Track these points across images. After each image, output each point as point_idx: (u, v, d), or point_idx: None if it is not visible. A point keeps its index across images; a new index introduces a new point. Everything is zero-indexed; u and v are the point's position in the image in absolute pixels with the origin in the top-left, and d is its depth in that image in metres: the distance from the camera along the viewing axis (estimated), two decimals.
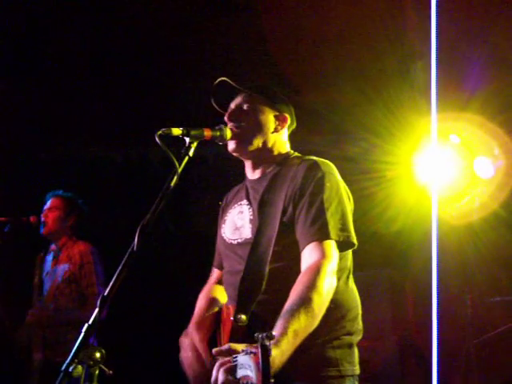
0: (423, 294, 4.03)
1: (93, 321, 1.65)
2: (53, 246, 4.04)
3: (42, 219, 3.95)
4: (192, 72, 4.00)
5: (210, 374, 1.64)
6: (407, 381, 4.29)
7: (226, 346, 1.58)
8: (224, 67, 4.08)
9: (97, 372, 1.59)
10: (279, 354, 1.57)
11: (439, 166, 4.45)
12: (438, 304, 3.78)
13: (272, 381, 1.38)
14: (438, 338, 3.72)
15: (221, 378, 1.54)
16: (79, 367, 1.58)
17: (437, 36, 3.91)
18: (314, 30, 4.00)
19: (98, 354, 1.60)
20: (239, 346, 1.54)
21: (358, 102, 4.62)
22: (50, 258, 4.04)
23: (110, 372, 1.63)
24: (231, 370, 1.51)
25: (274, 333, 1.54)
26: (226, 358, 1.56)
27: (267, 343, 1.38)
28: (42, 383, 3.62)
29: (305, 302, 1.70)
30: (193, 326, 2.07)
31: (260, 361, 1.37)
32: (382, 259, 4.72)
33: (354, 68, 4.45)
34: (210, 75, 2.26)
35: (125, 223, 2.03)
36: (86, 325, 1.63)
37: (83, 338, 1.61)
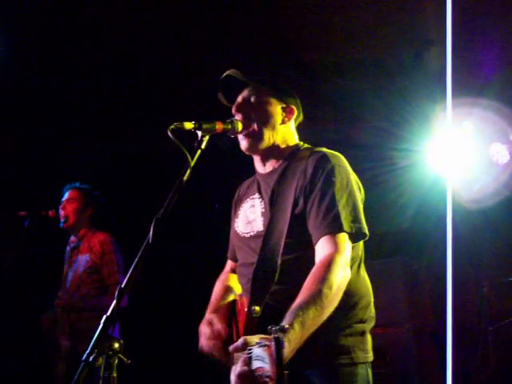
0: (438, 279, 4.03)
1: (111, 312, 1.69)
2: (72, 238, 4.10)
3: (61, 211, 4.01)
4: (207, 63, 4.01)
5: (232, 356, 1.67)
6: (423, 367, 4.31)
7: (240, 341, 1.61)
8: (239, 56, 4.10)
9: (116, 361, 1.65)
10: (286, 344, 1.59)
11: (454, 153, 4.44)
12: (453, 289, 3.79)
13: (286, 372, 1.43)
14: (453, 324, 3.73)
15: (238, 369, 1.58)
16: (99, 357, 1.64)
17: (452, 22, 3.88)
18: (330, 19, 3.98)
19: (116, 345, 1.65)
20: (253, 339, 1.58)
21: (372, 89, 4.60)
22: (69, 249, 4.11)
23: (129, 361, 1.68)
24: (247, 362, 1.55)
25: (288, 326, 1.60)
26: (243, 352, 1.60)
27: (280, 336, 1.42)
28: (69, 369, 3.72)
29: (314, 294, 1.73)
30: (210, 312, 2.12)
31: (273, 353, 1.41)
32: (396, 246, 4.73)
33: (368, 56, 4.43)
34: (225, 66, 2.27)
35: (142, 214, 2.07)
36: (105, 316, 1.68)
37: (102, 328, 1.66)
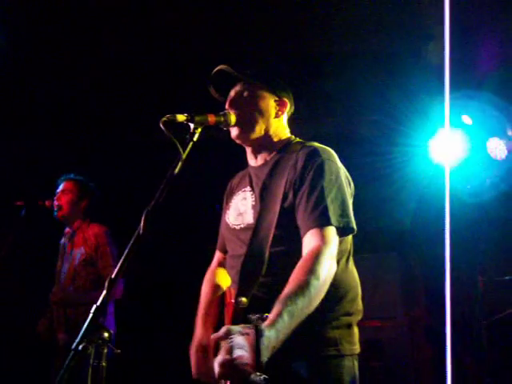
0: (433, 274, 4.05)
1: (101, 302, 1.71)
2: (67, 230, 4.10)
3: (55, 202, 4.01)
4: (202, 57, 4.01)
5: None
6: (417, 360, 4.34)
7: (223, 330, 1.63)
8: (235, 50, 4.11)
9: (105, 351, 1.67)
10: (274, 335, 1.61)
11: (452, 147, 4.45)
12: (450, 284, 3.80)
13: (264, 360, 1.45)
14: (451, 318, 3.75)
15: (219, 357, 1.60)
16: (89, 346, 1.66)
17: (450, 17, 3.87)
18: (328, 13, 3.98)
19: (106, 334, 1.67)
20: (236, 328, 1.60)
21: (370, 84, 4.60)
22: (64, 241, 4.12)
23: (118, 351, 1.71)
24: (228, 351, 1.57)
25: (270, 315, 1.62)
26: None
27: (260, 324, 1.44)
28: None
29: (302, 285, 1.74)
30: (199, 320, 2.15)
31: (253, 342, 1.44)
32: (393, 241, 4.75)
33: (367, 50, 4.43)
34: (219, 59, 2.27)
35: (135, 206, 2.09)
36: (95, 306, 1.70)
37: (92, 318, 1.68)
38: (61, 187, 4.07)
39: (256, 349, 1.44)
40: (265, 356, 1.53)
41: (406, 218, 4.69)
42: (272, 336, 1.60)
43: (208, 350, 2.04)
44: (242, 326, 1.58)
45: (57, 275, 4.01)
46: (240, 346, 1.51)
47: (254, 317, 1.46)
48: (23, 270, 4.83)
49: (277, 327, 1.63)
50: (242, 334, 1.52)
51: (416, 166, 4.65)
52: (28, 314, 4.07)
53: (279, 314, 1.66)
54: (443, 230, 3.88)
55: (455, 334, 3.73)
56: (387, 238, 4.71)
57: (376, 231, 4.60)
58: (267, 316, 1.52)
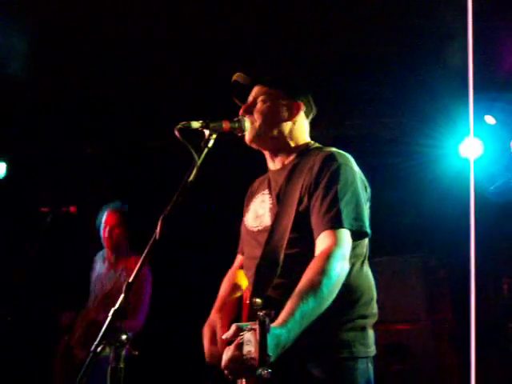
0: (458, 276, 4.01)
1: (119, 305, 1.76)
2: (108, 255, 4.12)
3: (106, 234, 4.03)
4: (219, 62, 4.05)
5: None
6: (441, 364, 4.29)
7: (232, 328, 1.67)
8: (257, 52, 4.13)
9: (123, 353, 1.71)
10: (286, 333, 1.64)
11: (476, 147, 4.41)
12: (475, 285, 3.76)
13: (269, 354, 1.48)
14: (475, 322, 3.70)
15: (229, 353, 1.64)
16: (107, 348, 1.71)
17: (473, 16, 3.83)
18: (350, 14, 3.97)
19: (124, 336, 1.72)
20: (244, 325, 1.64)
21: (393, 84, 4.58)
22: (103, 264, 4.13)
23: (136, 353, 1.75)
24: (238, 347, 1.61)
25: (281, 314, 1.66)
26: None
27: (266, 320, 1.48)
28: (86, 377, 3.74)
29: (314, 285, 1.76)
30: (214, 313, 2.16)
31: (258, 336, 1.47)
32: (417, 242, 4.71)
33: (389, 51, 4.41)
34: (237, 64, 2.30)
35: (151, 211, 2.13)
36: (113, 309, 1.75)
37: (110, 321, 1.73)
38: (112, 221, 4.08)
39: (260, 343, 1.47)
40: (273, 353, 1.55)
41: (430, 219, 4.65)
42: (283, 335, 1.63)
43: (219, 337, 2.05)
44: (251, 322, 1.62)
45: (92, 294, 4.05)
46: (248, 341, 1.55)
47: (261, 313, 1.50)
48: (49, 277, 4.92)
49: (288, 326, 1.65)
50: (250, 330, 1.57)
51: (440, 167, 4.61)
52: (54, 320, 4.13)
53: (291, 314, 1.68)
54: (467, 231, 3.84)
55: (480, 338, 3.69)
56: (411, 240, 4.67)
57: (399, 232, 4.58)
58: (273, 312, 1.55)
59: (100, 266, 4.15)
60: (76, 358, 3.83)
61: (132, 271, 3.93)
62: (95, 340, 4.04)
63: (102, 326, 4.01)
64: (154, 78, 4.46)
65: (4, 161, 5.08)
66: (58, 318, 4.05)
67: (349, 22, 4.08)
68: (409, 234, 4.58)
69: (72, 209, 4.03)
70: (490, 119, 4.32)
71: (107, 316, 4.01)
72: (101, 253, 4.20)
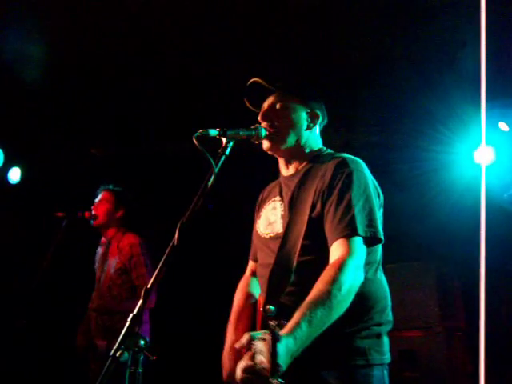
0: (470, 283, 3.99)
1: (137, 311, 1.78)
2: (103, 239, 4.22)
3: (93, 212, 4.12)
4: (234, 68, 4.07)
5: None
6: (454, 371, 4.26)
7: (245, 337, 1.68)
8: (269, 61, 4.14)
9: (141, 357, 1.73)
10: (292, 342, 1.65)
11: (488, 154, 4.39)
12: (485, 293, 3.74)
13: (280, 364, 1.51)
14: (485, 328, 3.68)
15: (242, 363, 1.65)
16: (125, 353, 1.72)
17: (486, 23, 3.83)
18: (364, 21, 3.98)
19: (142, 342, 1.74)
20: (256, 334, 1.65)
21: (404, 90, 4.58)
22: (100, 250, 4.23)
23: (154, 358, 1.76)
24: (250, 356, 1.63)
25: (289, 322, 1.67)
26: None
27: (277, 330, 1.49)
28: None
29: (323, 295, 1.77)
30: (231, 325, 2.18)
31: (270, 346, 1.49)
32: (429, 249, 4.69)
33: (401, 56, 4.41)
34: (253, 71, 2.32)
35: (170, 216, 2.14)
36: (131, 315, 1.76)
37: (129, 326, 1.75)
38: (99, 197, 4.19)
39: (272, 353, 1.49)
40: (283, 362, 1.56)
41: (443, 225, 4.64)
42: (290, 343, 1.64)
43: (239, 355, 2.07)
44: (263, 331, 1.63)
45: (97, 283, 4.12)
46: (260, 351, 1.56)
47: (272, 323, 1.51)
48: (64, 281, 4.95)
49: (295, 335, 1.67)
50: (262, 340, 1.58)
51: (452, 174, 4.60)
52: (69, 322, 4.17)
53: (297, 323, 1.70)
54: (480, 237, 3.82)
55: (492, 346, 3.66)
56: (423, 246, 4.66)
57: (411, 239, 4.57)
58: (285, 322, 1.57)
59: (98, 253, 4.23)
60: (97, 347, 3.89)
61: (126, 251, 4.02)
62: (110, 327, 4.03)
63: (109, 310, 4.00)
64: (162, 80, 4.49)
65: (18, 166, 5.14)
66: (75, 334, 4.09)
67: (361, 29, 4.09)
68: (421, 240, 4.56)
69: (87, 214, 4.08)
70: (503, 126, 4.31)
71: (112, 299, 4.03)
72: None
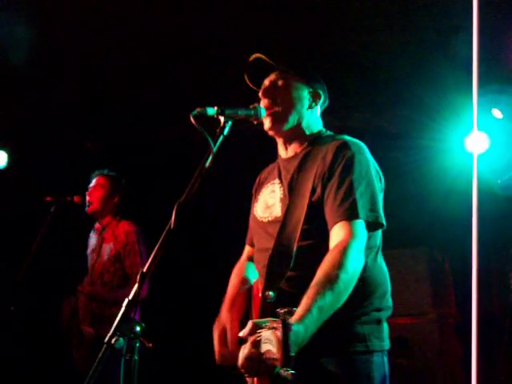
0: (462, 270, 3.99)
1: (133, 296, 1.72)
2: (97, 225, 4.14)
3: (87, 197, 4.05)
4: (235, 48, 4.00)
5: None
6: (447, 358, 4.27)
7: (249, 325, 1.63)
8: (262, 42, 4.09)
9: (137, 344, 1.68)
10: (303, 330, 1.61)
11: (481, 141, 4.38)
12: (477, 281, 3.74)
13: (292, 355, 1.44)
14: (477, 316, 3.69)
15: (246, 351, 1.60)
16: (121, 339, 1.67)
17: (478, 8, 3.80)
18: (354, 6, 3.94)
19: (138, 328, 1.69)
20: (263, 322, 1.60)
21: (397, 77, 4.55)
22: (94, 235, 4.16)
23: (150, 344, 1.72)
24: (256, 344, 1.57)
25: (298, 309, 1.61)
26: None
27: (288, 319, 1.43)
28: (91, 356, 3.74)
29: (331, 279, 1.73)
30: (224, 311, 2.13)
31: (281, 336, 1.42)
32: (421, 236, 4.69)
33: (393, 42, 4.38)
34: (254, 51, 2.26)
35: (167, 202, 2.09)
36: (127, 300, 1.71)
37: (124, 312, 1.69)
38: (93, 182, 4.10)
39: (284, 343, 1.43)
40: (293, 351, 1.52)
41: (435, 212, 4.63)
42: (300, 331, 1.59)
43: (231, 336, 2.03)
44: (270, 319, 1.58)
45: (89, 268, 4.06)
46: (268, 340, 1.50)
47: (282, 311, 1.45)
48: (53, 267, 4.89)
49: (305, 322, 1.62)
50: (270, 329, 1.52)
51: (444, 161, 4.59)
52: (57, 309, 4.11)
53: (308, 309, 1.65)
54: (471, 225, 3.81)
55: (484, 332, 3.67)
56: (415, 233, 4.65)
57: (403, 226, 4.55)
58: (295, 310, 1.51)
59: (92, 238, 4.15)
60: (84, 333, 3.83)
61: (121, 239, 3.97)
62: (99, 314, 3.99)
63: (99, 298, 3.97)
64: (157, 71, 4.42)
65: (5, 150, 5.05)
66: (60, 307, 4.04)
67: (353, 15, 4.05)
68: (413, 227, 4.55)
69: (76, 199, 4.02)
70: (497, 113, 4.29)
71: (103, 286, 4.01)
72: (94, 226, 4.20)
